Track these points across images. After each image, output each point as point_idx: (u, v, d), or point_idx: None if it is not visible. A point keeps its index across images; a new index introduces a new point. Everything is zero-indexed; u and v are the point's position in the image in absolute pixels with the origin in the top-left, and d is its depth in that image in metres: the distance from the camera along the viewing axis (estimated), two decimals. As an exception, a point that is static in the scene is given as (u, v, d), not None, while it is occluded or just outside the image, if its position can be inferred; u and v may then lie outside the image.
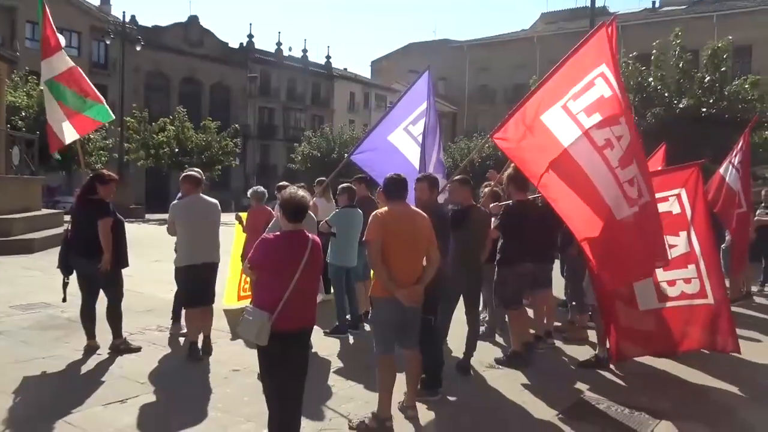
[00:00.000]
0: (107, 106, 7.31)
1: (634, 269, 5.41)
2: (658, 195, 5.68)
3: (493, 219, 6.35)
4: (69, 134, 7.25)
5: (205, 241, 6.05)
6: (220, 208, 6.26)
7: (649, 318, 6.00)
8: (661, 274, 5.95)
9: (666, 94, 18.11)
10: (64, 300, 6.20)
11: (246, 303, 7.41)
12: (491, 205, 6.75)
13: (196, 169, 6.51)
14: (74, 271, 6.09)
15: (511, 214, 6.23)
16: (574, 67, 5.59)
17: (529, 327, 6.60)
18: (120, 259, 6.06)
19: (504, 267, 6.16)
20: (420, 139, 7.46)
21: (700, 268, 5.96)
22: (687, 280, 5.98)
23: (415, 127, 7.59)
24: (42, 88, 7.43)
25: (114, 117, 7.71)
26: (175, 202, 6.14)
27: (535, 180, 5.58)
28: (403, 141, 7.56)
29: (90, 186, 6.04)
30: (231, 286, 8.06)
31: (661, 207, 5.81)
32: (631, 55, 19.90)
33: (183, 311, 6.52)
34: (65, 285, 6.16)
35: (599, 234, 5.24)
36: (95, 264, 5.85)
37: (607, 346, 6.29)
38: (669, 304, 6.02)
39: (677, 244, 6.04)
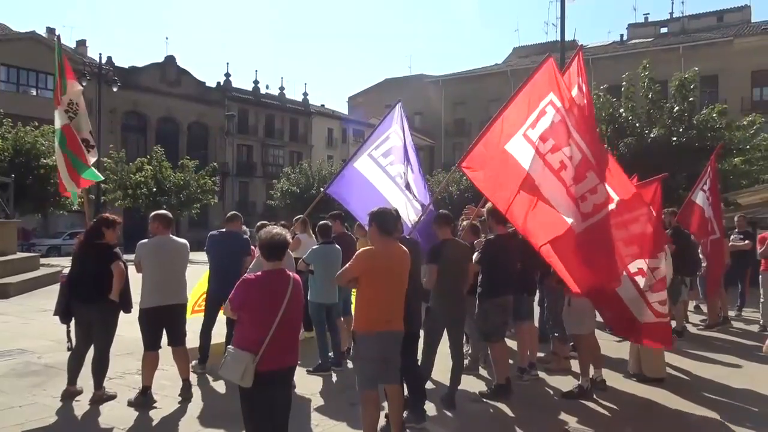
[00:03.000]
0: (93, 169, 7.41)
1: (589, 277, 5.60)
2: (629, 216, 6.11)
3: (475, 254, 6.41)
4: (70, 185, 7.32)
5: (172, 282, 5.97)
6: (188, 248, 6.23)
7: (648, 327, 6.20)
8: (650, 294, 6.19)
9: (637, 125, 18.51)
10: (70, 349, 6.02)
11: (197, 316, 7.40)
12: (475, 241, 6.83)
13: (163, 211, 6.46)
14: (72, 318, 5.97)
15: (491, 247, 6.28)
16: (527, 97, 6.06)
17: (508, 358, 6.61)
18: (124, 302, 5.95)
19: (485, 300, 6.19)
20: (382, 162, 7.66)
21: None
22: (662, 302, 6.22)
23: (377, 150, 7.79)
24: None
25: (102, 178, 7.85)
26: (142, 241, 6.06)
27: (503, 207, 5.91)
28: (366, 166, 7.74)
29: (95, 230, 5.95)
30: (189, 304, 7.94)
31: (636, 228, 6.12)
32: (601, 87, 20.37)
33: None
34: (69, 332, 6.01)
35: (557, 242, 5.58)
36: (96, 310, 5.76)
37: (591, 375, 6.35)
38: (663, 319, 6.19)
39: (659, 266, 6.26)
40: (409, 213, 7.15)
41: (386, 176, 7.64)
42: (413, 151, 7.96)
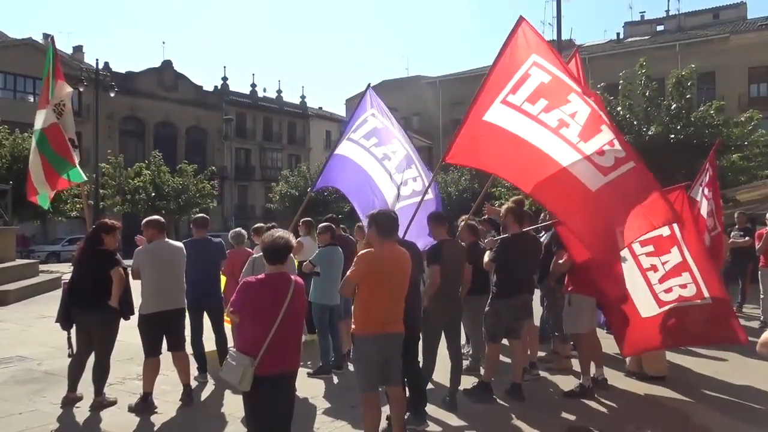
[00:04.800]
0: (79, 168, 7.34)
1: (615, 238, 5.24)
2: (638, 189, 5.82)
3: (487, 252, 6.39)
4: (42, 187, 7.24)
5: (171, 287, 5.96)
6: (185, 252, 6.21)
7: (651, 323, 6.15)
8: (657, 286, 6.13)
9: (635, 123, 18.49)
10: (71, 356, 6.01)
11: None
12: (486, 240, 6.82)
13: (155, 217, 6.40)
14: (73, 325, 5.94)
15: (507, 247, 6.18)
16: (502, 69, 5.74)
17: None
18: (126, 308, 5.92)
19: (499, 299, 6.11)
20: (365, 144, 7.70)
21: (693, 273, 6.08)
22: (683, 286, 6.07)
23: (356, 133, 7.88)
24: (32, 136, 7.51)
25: (86, 178, 7.72)
26: (139, 248, 6.05)
27: (508, 176, 5.84)
28: (350, 149, 7.83)
29: (95, 236, 5.93)
30: None
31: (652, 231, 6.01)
32: (599, 86, 20.34)
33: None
34: (69, 339, 6.01)
35: (578, 211, 5.31)
36: (96, 316, 5.74)
37: (593, 374, 6.34)
38: (668, 306, 6.12)
39: (669, 259, 6.15)
40: (390, 196, 7.17)
41: (373, 158, 7.65)
42: (400, 130, 7.97)
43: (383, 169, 7.50)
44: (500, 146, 5.68)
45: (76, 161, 7.29)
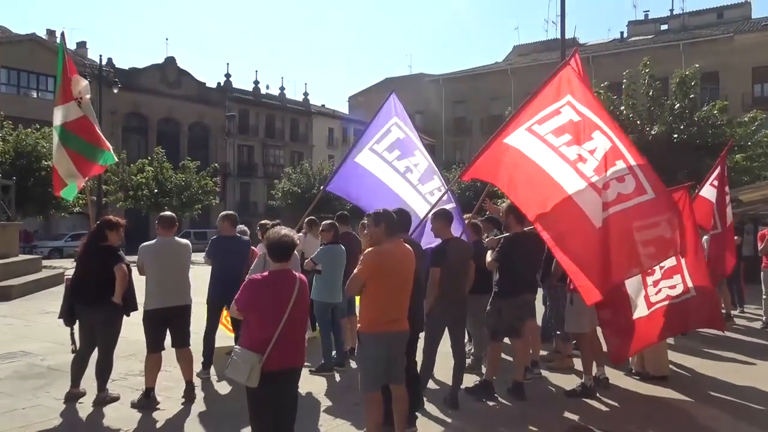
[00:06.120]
0: (112, 152, 7.50)
1: (615, 271, 5.38)
2: (652, 220, 5.88)
3: (489, 252, 6.39)
4: (72, 176, 7.32)
5: (175, 283, 5.96)
6: (191, 249, 6.22)
7: (639, 323, 6.23)
8: (651, 288, 6.21)
9: (638, 122, 18.49)
10: (74, 351, 6.03)
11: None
12: (488, 239, 6.80)
13: (163, 213, 6.44)
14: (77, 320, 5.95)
15: (510, 246, 6.16)
16: (540, 100, 5.85)
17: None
18: (128, 303, 5.92)
19: (501, 299, 6.12)
20: (387, 157, 7.57)
21: (683, 274, 6.18)
22: (672, 287, 6.20)
23: (380, 145, 7.70)
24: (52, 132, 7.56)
25: (117, 159, 7.85)
26: (143, 244, 6.06)
27: (523, 207, 5.77)
28: (370, 161, 7.64)
29: (98, 232, 5.94)
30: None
31: (655, 232, 6.02)
32: (602, 85, 20.32)
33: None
34: (73, 334, 6.02)
35: (580, 245, 5.36)
36: (99, 312, 5.75)
37: (594, 372, 6.35)
38: (656, 306, 6.21)
39: (665, 263, 6.14)
40: (422, 209, 7.05)
41: (395, 172, 7.51)
42: (418, 139, 7.87)
43: (407, 183, 7.40)
44: (516, 170, 5.73)
45: (110, 147, 7.41)
